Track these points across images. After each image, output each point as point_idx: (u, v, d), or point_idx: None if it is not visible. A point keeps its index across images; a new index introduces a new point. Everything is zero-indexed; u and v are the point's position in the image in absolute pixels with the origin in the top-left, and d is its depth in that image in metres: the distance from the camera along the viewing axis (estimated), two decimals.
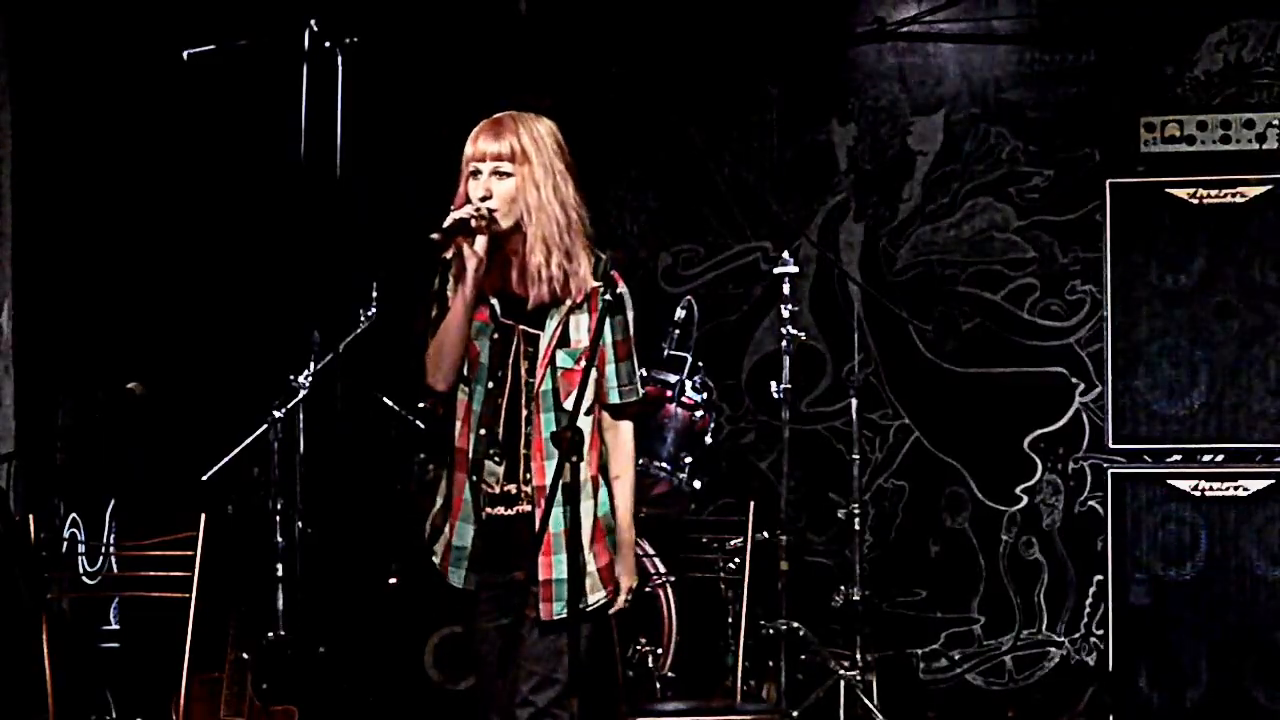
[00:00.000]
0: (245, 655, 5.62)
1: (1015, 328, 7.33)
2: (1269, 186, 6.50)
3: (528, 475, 4.35)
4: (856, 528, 6.64)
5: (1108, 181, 6.66)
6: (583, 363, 4.30)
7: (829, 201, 7.49)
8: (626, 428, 4.44)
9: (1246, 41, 7.18)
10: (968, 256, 7.40)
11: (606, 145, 7.58)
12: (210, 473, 6.26)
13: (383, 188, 7.49)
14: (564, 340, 4.34)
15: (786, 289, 6.56)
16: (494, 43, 7.52)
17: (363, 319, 6.57)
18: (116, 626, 6.99)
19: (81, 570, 6.80)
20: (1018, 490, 7.31)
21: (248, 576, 5.94)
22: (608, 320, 4.34)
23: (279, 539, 6.34)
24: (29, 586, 5.43)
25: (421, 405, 6.67)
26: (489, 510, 4.36)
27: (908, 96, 7.46)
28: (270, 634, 6.23)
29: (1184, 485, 6.46)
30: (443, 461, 4.53)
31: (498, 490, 4.37)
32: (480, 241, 4.27)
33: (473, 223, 4.26)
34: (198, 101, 7.18)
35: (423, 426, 6.65)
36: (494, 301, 4.37)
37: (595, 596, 4.36)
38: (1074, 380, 7.27)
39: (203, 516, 5.44)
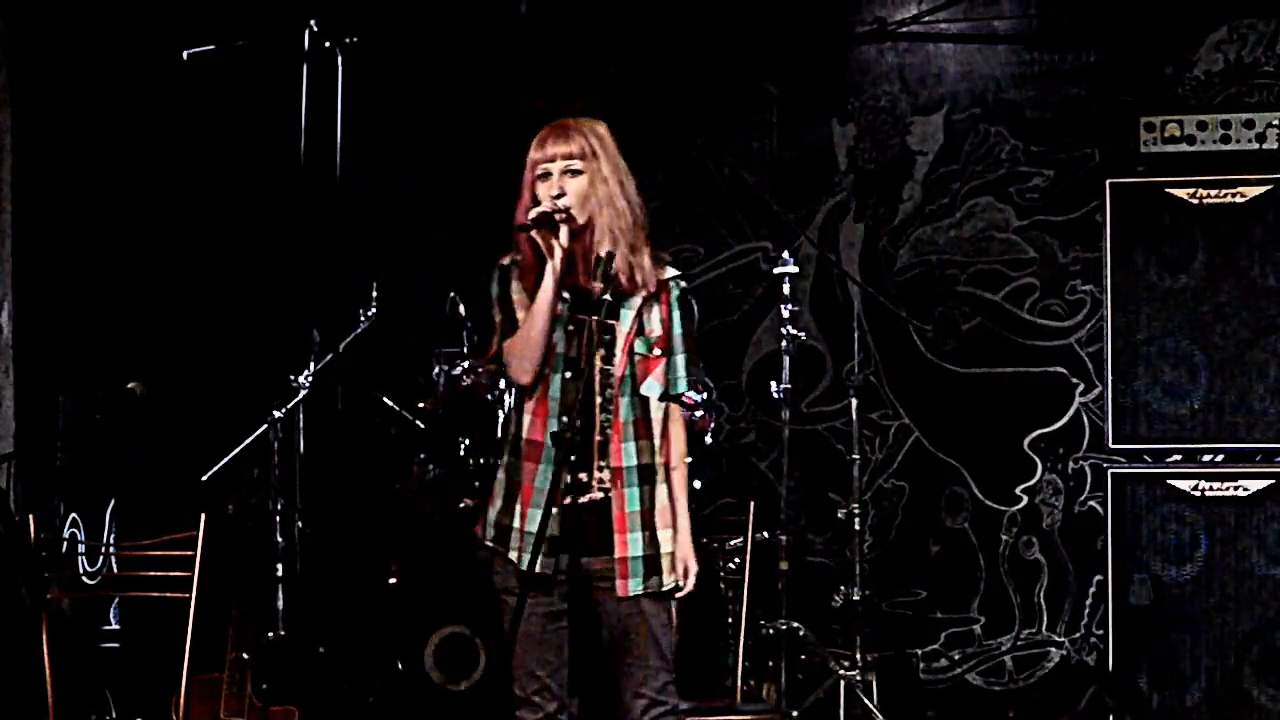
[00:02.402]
0: (245, 655, 5.62)
1: (1015, 328, 7.33)
2: (1269, 186, 6.50)
3: (602, 462, 4.49)
4: (856, 528, 6.64)
5: (1108, 181, 6.66)
6: (656, 351, 4.51)
7: (829, 201, 7.49)
8: (677, 429, 4.58)
9: (1246, 41, 7.18)
10: (968, 256, 7.39)
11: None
12: (210, 473, 6.26)
13: (383, 188, 7.49)
14: (640, 330, 4.52)
15: (786, 289, 6.56)
16: (494, 43, 7.52)
17: (363, 319, 6.57)
18: (116, 626, 6.99)
19: (81, 570, 6.80)
20: (1018, 490, 7.31)
21: (248, 576, 5.94)
22: (678, 313, 4.54)
23: (279, 539, 6.34)
24: (29, 586, 5.43)
25: (421, 405, 6.67)
26: (563, 498, 4.45)
27: (908, 96, 7.46)
28: (270, 634, 6.23)
29: (1184, 485, 6.46)
30: (488, 457, 4.91)
31: (569, 479, 4.47)
32: (563, 233, 4.44)
33: (555, 216, 4.43)
34: (198, 101, 7.18)
35: (422, 426, 6.65)
36: (565, 294, 4.50)
37: (670, 579, 4.49)
38: (1074, 380, 7.27)
39: (203, 516, 5.45)
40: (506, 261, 4.61)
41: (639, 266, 4.49)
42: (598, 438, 4.49)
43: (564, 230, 4.43)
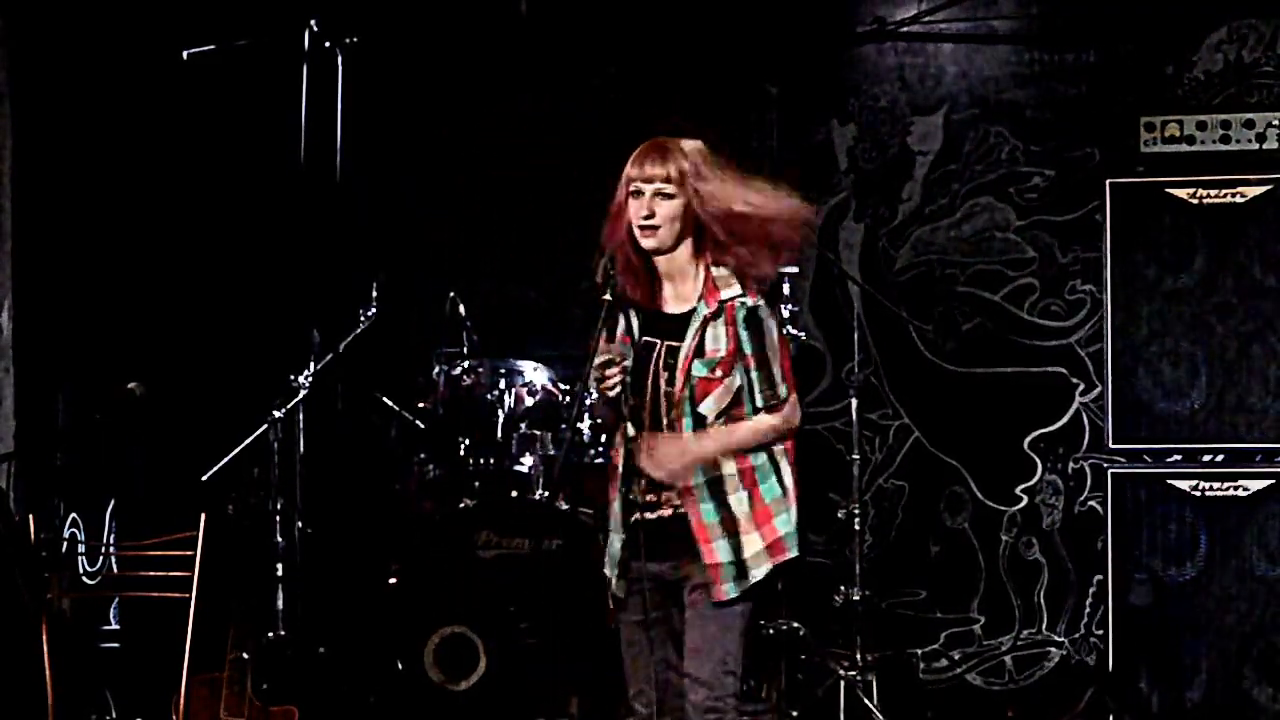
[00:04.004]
0: (245, 655, 5.62)
1: (1015, 328, 7.33)
2: (1269, 186, 6.50)
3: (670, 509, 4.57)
4: (856, 528, 6.64)
5: (1108, 181, 6.65)
6: (719, 372, 4.53)
7: (829, 201, 7.49)
8: (768, 418, 4.62)
9: (1246, 41, 7.18)
10: (968, 256, 7.39)
11: (606, 145, 7.56)
12: (210, 473, 6.26)
13: (383, 188, 7.49)
14: (700, 350, 4.54)
15: (786, 289, 6.57)
16: (494, 43, 7.52)
17: (363, 319, 6.57)
18: (116, 626, 6.99)
19: (81, 570, 6.80)
20: (1018, 490, 7.31)
21: (248, 576, 5.94)
22: (744, 331, 4.54)
23: (279, 539, 6.34)
24: (29, 586, 5.43)
25: (421, 405, 6.68)
26: (637, 515, 4.57)
27: (908, 96, 7.46)
28: (270, 634, 6.23)
29: (1184, 485, 6.46)
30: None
31: (644, 499, 4.57)
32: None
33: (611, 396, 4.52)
34: (198, 101, 7.18)
35: (422, 426, 6.66)
36: (635, 321, 4.61)
37: (762, 569, 4.56)
38: (1074, 380, 7.27)
39: (203, 516, 5.45)
40: (601, 274, 4.63)
41: (712, 287, 4.55)
42: (662, 511, 4.57)
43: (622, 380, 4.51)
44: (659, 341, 4.57)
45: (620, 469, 4.59)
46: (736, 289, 4.54)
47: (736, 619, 4.54)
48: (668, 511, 4.56)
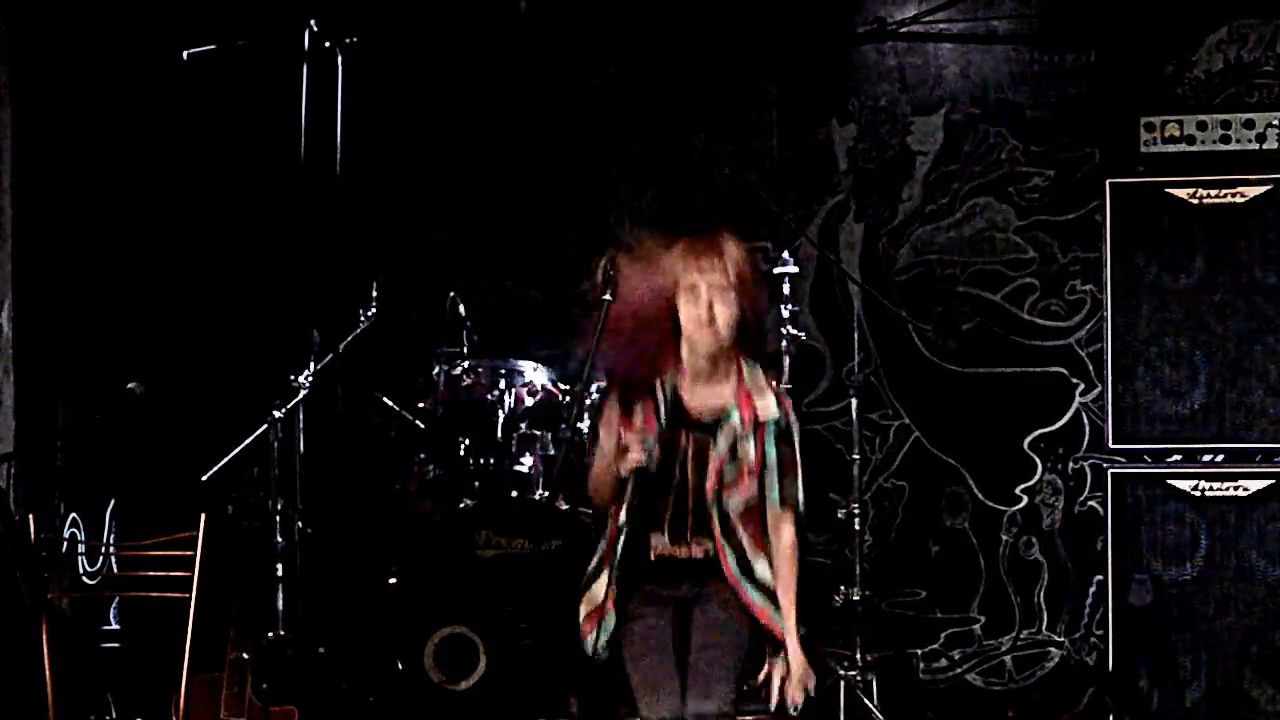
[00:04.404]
0: (245, 655, 5.62)
1: (1015, 328, 7.33)
2: (1269, 186, 6.49)
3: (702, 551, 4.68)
4: (856, 528, 6.64)
5: (1108, 181, 6.65)
6: (746, 474, 4.62)
7: (829, 201, 7.49)
8: (788, 529, 4.69)
9: (1246, 41, 7.18)
10: (968, 256, 7.39)
11: (606, 145, 7.58)
12: (210, 473, 6.27)
13: (383, 188, 7.49)
14: (732, 454, 4.63)
15: (786, 289, 6.57)
16: (494, 43, 7.52)
17: (363, 319, 6.57)
18: (116, 626, 6.99)
19: (81, 570, 6.80)
20: (1018, 490, 7.31)
21: (248, 576, 5.94)
22: (774, 443, 4.65)
23: (279, 539, 6.34)
24: (29, 586, 5.43)
25: (421, 405, 6.67)
26: (656, 552, 4.68)
27: (908, 96, 7.46)
28: (270, 634, 6.23)
29: (1184, 485, 6.45)
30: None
31: (665, 552, 4.68)
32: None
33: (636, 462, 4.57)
34: (198, 101, 7.18)
35: (422, 426, 6.66)
36: (663, 408, 4.64)
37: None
38: (1074, 380, 7.27)
39: (203, 516, 5.45)
40: (601, 274, 4.68)
41: (753, 393, 4.63)
42: (693, 551, 4.66)
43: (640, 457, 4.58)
44: (686, 433, 4.64)
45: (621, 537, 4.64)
46: (771, 405, 4.64)
47: (744, 630, 4.61)
48: (699, 554, 4.67)
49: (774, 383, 4.70)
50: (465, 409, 6.51)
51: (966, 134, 7.40)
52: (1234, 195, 6.50)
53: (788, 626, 4.65)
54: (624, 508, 4.62)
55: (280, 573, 6.32)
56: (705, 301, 4.58)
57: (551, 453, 6.52)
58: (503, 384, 6.53)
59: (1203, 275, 6.53)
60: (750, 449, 4.62)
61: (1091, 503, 7.16)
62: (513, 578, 6.21)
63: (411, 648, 6.23)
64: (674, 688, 4.61)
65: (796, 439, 4.70)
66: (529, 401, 6.54)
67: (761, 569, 4.65)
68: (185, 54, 6.65)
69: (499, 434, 6.50)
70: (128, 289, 7.15)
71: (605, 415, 4.64)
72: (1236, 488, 6.42)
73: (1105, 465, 6.59)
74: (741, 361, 4.65)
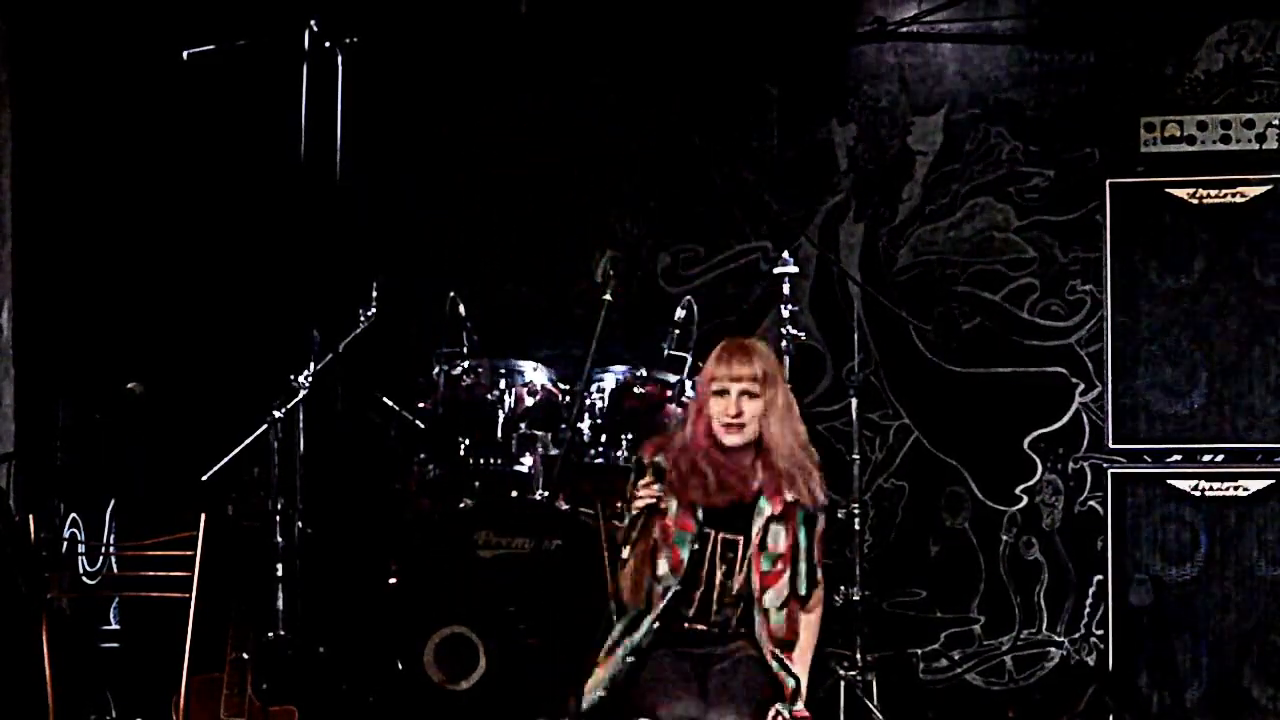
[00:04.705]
0: (245, 655, 5.62)
1: (1015, 328, 7.33)
2: (1269, 186, 6.50)
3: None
4: (856, 528, 6.64)
5: (1108, 181, 6.66)
6: (779, 565, 4.79)
7: (829, 201, 7.49)
8: (813, 618, 4.92)
9: (1246, 41, 7.18)
10: (968, 256, 7.39)
11: (606, 145, 7.58)
12: (210, 473, 6.26)
13: (383, 188, 7.49)
14: (763, 545, 4.79)
15: (786, 289, 6.57)
16: (494, 43, 7.52)
17: (363, 319, 6.57)
18: (116, 626, 6.99)
19: (81, 570, 6.80)
20: (1018, 490, 7.31)
21: (248, 576, 5.94)
22: (803, 531, 4.83)
23: (279, 539, 6.34)
24: (29, 586, 5.43)
25: (421, 405, 6.67)
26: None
27: (908, 96, 7.46)
28: (270, 634, 6.23)
29: (1184, 485, 6.46)
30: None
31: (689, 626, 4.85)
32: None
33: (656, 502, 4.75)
34: (198, 101, 7.18)
35: (422, 426, 6.66)
36: (699, 510, 4.80)
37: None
38: (1074, 380, 7.27)
39: (203, 516, 5.44)
40: (648, 460, 4.84)
41: (806, 486, 4.80)
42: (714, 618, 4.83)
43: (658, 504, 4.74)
44: (713, 533, 4.79)
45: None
46: (800, 490, 4.79)
47: (764, 671, 4.77)
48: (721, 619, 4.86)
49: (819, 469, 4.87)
50: (465, 409, 6.50)
51: (966, 134, 7.40)
52: (1234, 195, 6.50)
53: (800, 678, 4.80)
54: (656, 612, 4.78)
55: (280, 573, 6.32)
56: (733, 403, 4.76)
57: (551, 453, 6.52)
58: (503, 384, 6.53)
59: (1203, 275, 6.53)
60: (780, 535, 4.80)
61: (1091, 503, 7.16)
62: (513, 578, 6.20)
63: (411, 648, 6.22)
64: (693, 694, 4.70)
65: (821, 525, 4.88)
66: (529, 401, 6.54)
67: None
68: (185, 54, 6.65)
69: (499, 434, 6.49)
70: (128, 289, 7.15)
71: (646, 517, 4.78)
72: (1236, 488, 6.42)
73: (1105, 465, 6.59)
74: (794, 461, 4.81)
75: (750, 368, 4.79)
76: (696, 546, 4.78)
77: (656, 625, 4.77)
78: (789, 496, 4.78)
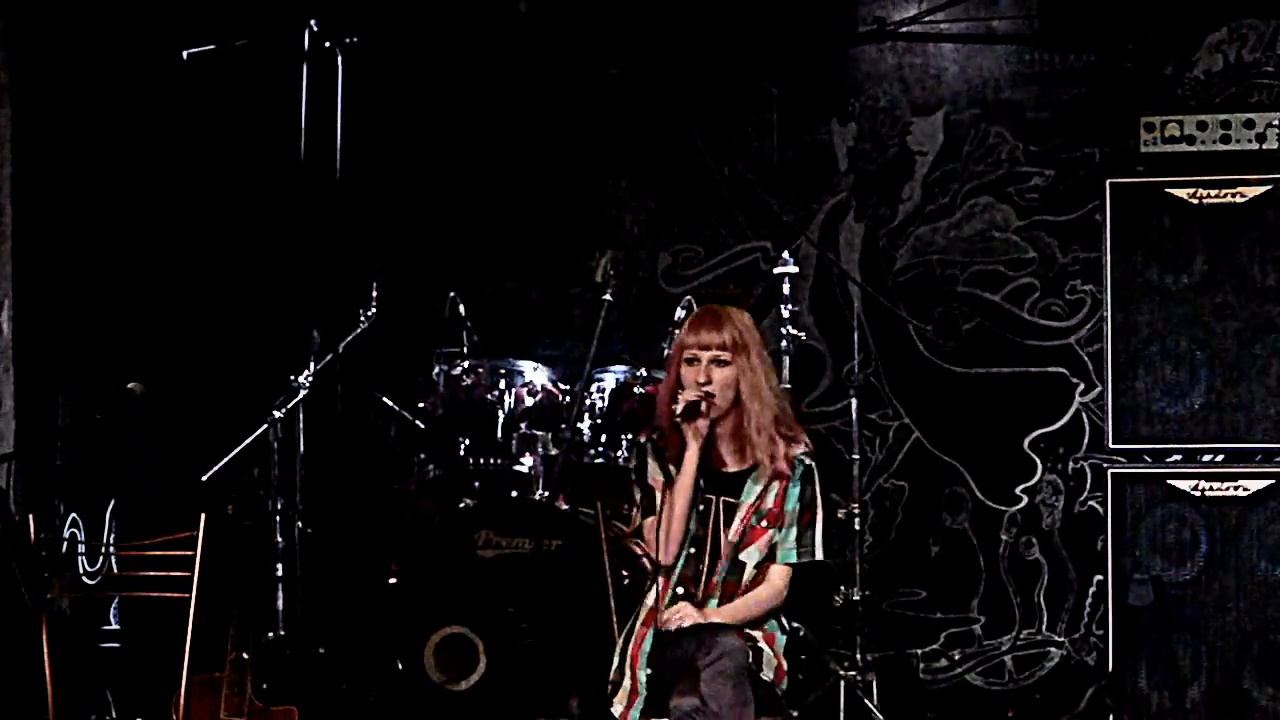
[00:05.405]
0: (245, 655, 5.62)
1: (1015, 328, 7.33)
2: (1269, 186, 6.49)
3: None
4: (856, 528, 6.64)
5: (1108, 181, 6.65)
6: (765, 523, 4.89)
7: (829, 201, 7.49)
8: (780, 581, 4.95)
9: (1246, 41, 7.18)
10: (968, 256, 7.39)
11: (606, 145, 7.58)
12: (210, 473, 6.26)
13: (383, 187, 7.49)
14: (758, 507, 4.88)
15: (786, 289, 6.57)
16: (494, 43, 7.52)
17: (363, 319, 6.57)
18: (116, 626, 6.99)
19: (81, 570, 6.80)
20: (1018, 490, 7.31)
21: (248, 576, 5.94)
22: (795, 491, 4.90)
23: (279, 539, 6.34)
24: (29, 586, 5.43)
25: (421, 405, 6.67)
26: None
27: (908, 96, 7.46)
28: (270, 634, 6.23)
29: (1184, 485, 6.45)
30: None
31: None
32: (703, 423, 4.81)
33: (701, 405, 4.79)
34: (198, 101, 7.18)
35: (422, 426, 6.66)
36: (700, 477, 4.89)
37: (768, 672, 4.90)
38: (1074, 380, 7.27)
39: (203, 516, 5.44)
40: (644, 440, 4.96)
41: (774, 453, 4.85)
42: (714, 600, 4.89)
43: (703, 421, 4.78)
44: (714, 498, 4.88)
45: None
46: (802, 446, 4.89)
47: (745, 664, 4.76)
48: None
49: (801, 436, 4.92)
50: (465, 409, 6.50)
51: (966, 134, 7.40)
52: (1234, 195, 6.50)
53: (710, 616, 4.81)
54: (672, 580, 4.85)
55: (280, 573, 6.32)
56: (703, 370, 4.81)
57: (551, 453, 6.52)
58: (503, 384, 6.53)
59: (1203, 275, 6.53)
60: (773, 492, 4.87)
61: (1091, 503, 7.16)
62: (513, 578, 6.20)
63: (411, 648, 6.22)
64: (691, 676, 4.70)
65: (817, 488, 4.92)
66: (529, 401, 6.54)
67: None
68: (185, 54, 6.65)
69: (499, 434, 6.49)
70: (128, 288, 7.15)
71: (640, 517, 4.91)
72: (1236, 488, 6.42)
73: (1105, 465, 6.58)
74: (769, 424, 4.85)
75: (720, 335, 4.81)
76: (701, 508, 4.87)
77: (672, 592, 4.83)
78: (764, 459, 4.84)
